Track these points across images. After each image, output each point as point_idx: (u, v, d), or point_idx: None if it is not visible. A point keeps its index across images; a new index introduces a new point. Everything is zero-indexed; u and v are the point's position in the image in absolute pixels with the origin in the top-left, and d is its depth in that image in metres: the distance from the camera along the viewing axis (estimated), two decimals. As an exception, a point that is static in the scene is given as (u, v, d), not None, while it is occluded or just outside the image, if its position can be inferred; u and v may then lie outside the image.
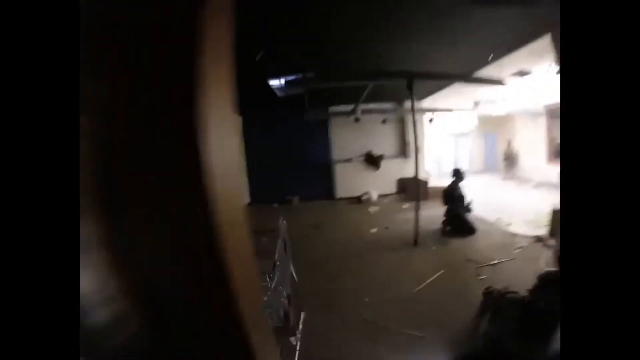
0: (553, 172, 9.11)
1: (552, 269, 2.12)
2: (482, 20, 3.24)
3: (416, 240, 4.68)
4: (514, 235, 4.89)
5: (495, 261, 3.77)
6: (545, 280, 1.97)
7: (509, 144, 11.43)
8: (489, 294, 2.59)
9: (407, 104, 8.18)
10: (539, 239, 4.48)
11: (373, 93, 6.32)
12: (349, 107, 8.07)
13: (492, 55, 4.27)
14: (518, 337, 1.83)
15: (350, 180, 9.06)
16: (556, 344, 1.63)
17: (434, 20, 3.27)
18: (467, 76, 5.14)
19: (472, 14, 3.08)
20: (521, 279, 2.67)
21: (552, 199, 5.14)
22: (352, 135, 8.98)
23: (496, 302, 2.29)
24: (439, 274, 3.48)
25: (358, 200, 8.60)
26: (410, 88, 4.90)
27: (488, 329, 2.22)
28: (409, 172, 8.95)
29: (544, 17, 3.13)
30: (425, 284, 3.29)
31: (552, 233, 4.45)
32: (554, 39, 3.46)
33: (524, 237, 4.73)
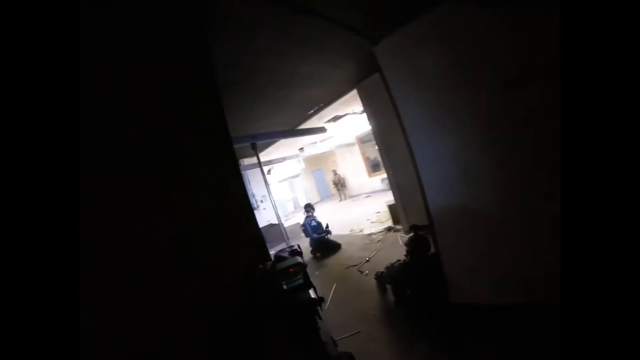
0: (374, 182, 12.04)
1: (409, 235, 3.02)
2: (304, 85, 4.21)
3: (299, 272, 5.22)
4: (369, 235, 6.11)
5: (367, 258, 4.77)
6: (409, 242, 2.87)
7: (335, 173, 13.94)
8: (380, 275, 3.44)
9: (246, 161, 8.95)
10: (389, 229, 5.91)
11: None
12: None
13: (315, 108, 5.52)
14: (414, 284, 2.70)
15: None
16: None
17: (264, 90, 3.98)
18: (300, 131, 6.34)
19: (296, 81, 3.96)
20: (394, 257, 3.57)
21: (383, 200, 6.58)
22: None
23: (389, 275, 3.13)
24: (333, 287, 4.15)
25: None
26: (254, 149, 5.66)
27: (395, 294, 3.03)
28: (261, 223, 9.59)
29: (351, 77, 4.46)
30: (329, 300, 3.78)
31: (394, 221, 5.98)
32: (358, 92, 5.03)
33: (377, 233, 6.02)
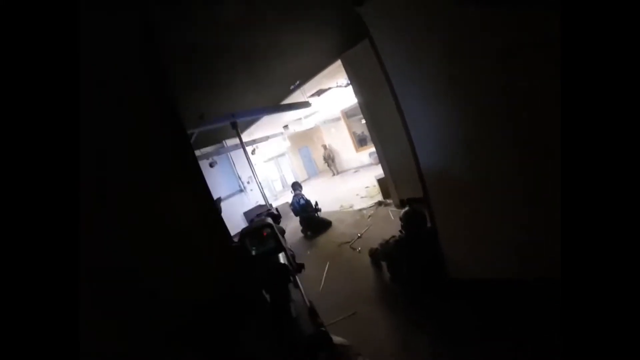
0: (362, 157, 11.96)
1: (403, 209, 2.86)
2: (285, 57, 3.90)
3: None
4: (360, 210, 5.99)
5: (359, 234, 4.67)
6: (404, 216, 2.75)
7: (325, 147, 13.39)
8: (375, 252, 3.35)
9: (228, 142, 8.63)
10: (379, 203, 5.80)
11: (195, 140, 6.38)
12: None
13: (297, 82, 5.23)
14: (410, 259, 2.61)
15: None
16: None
17: (242, 64, 3.66)
18: (283, 106, 6.03)
19: (279, 53, 3.66)
20: (386, 233, 3.45)
21: (372, 174, 6.41)
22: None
23: (384, 251, 3.02)
24: (327, 266, 4.07)
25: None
26: (235, 128, 5.37)
27: (390, 271, 2.95)
28: (249, 204, 9.42)
29: (334, 47, 4.19)
30: (323, 281, 3.70)
31: (384, 195, 5.87)
32: (343, 63, 4.74)
33: (368, 208, 5.90)
